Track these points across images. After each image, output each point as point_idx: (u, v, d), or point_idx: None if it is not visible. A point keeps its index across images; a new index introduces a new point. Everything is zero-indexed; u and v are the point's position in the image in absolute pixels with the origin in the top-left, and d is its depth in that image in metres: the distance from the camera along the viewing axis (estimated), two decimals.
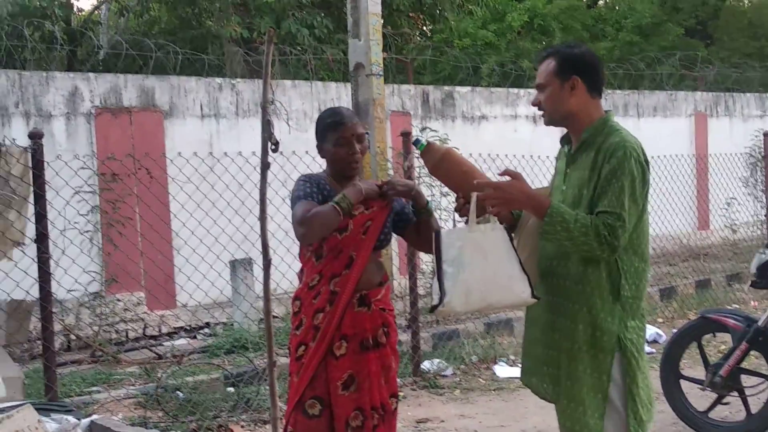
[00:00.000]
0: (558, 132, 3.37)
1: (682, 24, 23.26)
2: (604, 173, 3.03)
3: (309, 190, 3.50)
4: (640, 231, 3.11)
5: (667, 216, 11.00)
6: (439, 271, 3.12)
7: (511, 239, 3.14)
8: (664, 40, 22.21)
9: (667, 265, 11.90)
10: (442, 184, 3.43)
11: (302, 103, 11.11)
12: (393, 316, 3.66)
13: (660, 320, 9.30)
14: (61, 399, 5.64)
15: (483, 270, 3.07)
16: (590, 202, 3.05)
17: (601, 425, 3.04)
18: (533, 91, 3.33)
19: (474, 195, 3.09)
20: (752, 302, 9.96)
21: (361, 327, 3.48)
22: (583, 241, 2.97)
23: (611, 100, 14.53)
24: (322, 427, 3.42)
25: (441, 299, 3.08)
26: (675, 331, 5.94)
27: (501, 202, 3.10)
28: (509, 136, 13.07)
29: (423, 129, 9.26)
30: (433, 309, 3.15)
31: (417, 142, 3.32)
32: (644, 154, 3.10)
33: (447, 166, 3.29)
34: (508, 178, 3.12)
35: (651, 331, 7.99)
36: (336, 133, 3.52)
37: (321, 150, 3.61)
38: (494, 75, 16.42)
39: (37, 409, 4.87)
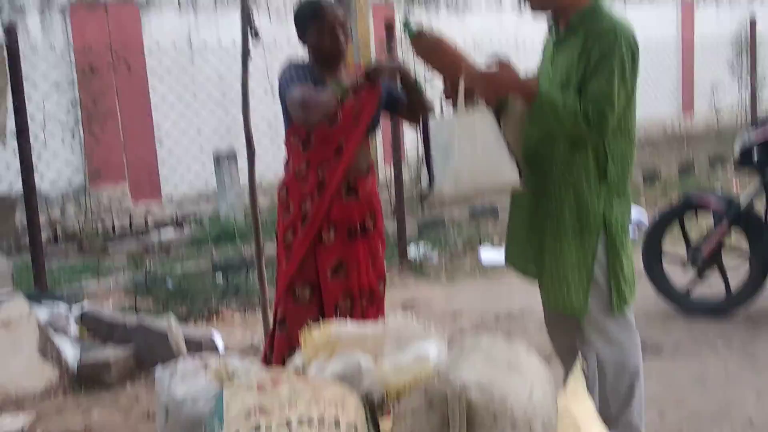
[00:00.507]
0: (543, 24, 3.31)
1: None
2: (594, 57, 2.97)
3: (300, 73, 3.44)
4: (629, 114, 3.09)
5: (652, 100, 10.96)
6: (428, 159, 3.12)
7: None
8: None
9: (651, 148, 11.94)
10: (428, 70, 3.37)
11: None
12: (379, 203, 3.67)
13: (643, 202, 9.39)
14: (50, 290, 5.68)
15: (472, 155, 3.06)
16: (579, 86, 3.01)
17: (586, 303, 3.11)
18: None
19: (462, 80, 3.05)
20: (734, 184, 10.05)
21: (348, 214, 3.50)
22: (572, 124, 2.95)
23: None
24: (312, 312, 3.47)
25: (431, 185, 3.09)
26: (658, 212, 6.00)
27: (489, 87, 3.07)
28: (495, 25, 12.85)
29: (406, 24, 9.05)
30: (422, 196, 3.18)
31: (407, 26, 3.24)
32: (635, 39, 3.05)
33: (436, 52, 3.22)
34: (497, 64, 3.08)
35: (634, 213, 8.07)
36: (317, 22, 3.45)
37: (303, 42, 3.54)
38: None
39: (27, 299, 4.93)
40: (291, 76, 3.43)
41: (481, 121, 3.09)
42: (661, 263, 5.53)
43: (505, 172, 3.09)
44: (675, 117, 13.80)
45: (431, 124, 3.12)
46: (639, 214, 8.39)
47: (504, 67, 3.06)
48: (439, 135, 3.10)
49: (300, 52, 3.68)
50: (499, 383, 2.06)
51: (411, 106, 3.58)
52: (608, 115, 2.95)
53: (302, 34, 3.53)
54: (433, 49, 3.21)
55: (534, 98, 2.99)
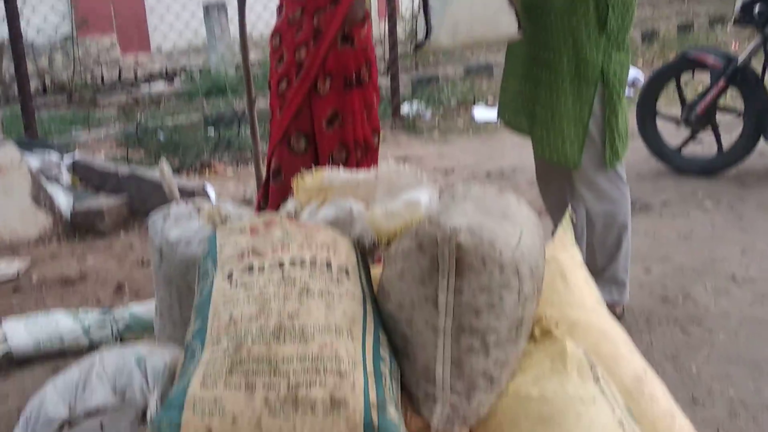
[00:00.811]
0: None
1: None
2: None
3: None
4: None
5: None
6: (425, 7, 3.05)
7: None
8: None
9: (651, 7, 11.69)
10: None
11: None
12: (374, 53, 3.60)
13: (640, 62, 9.29)
14: (41, 138, 5.65)
15: (470, 2, 3.00)
16: None
17: (580, 155, 3.11)
18: None
19: None
20: (733, 43, 9.92)
21: (344, 64, 3.43)
22: None
23: None
24: (307, 162, 3.46)
25: (427, 34, 3.04)
26: (654, 71, 5.93)
27: None
28: None
29: None
30: (419, 46, 3.12)
31: None
32: None
33: None
34: None
35: (631, 73, 7.99)
36: None
37: None
38: None
39: (18, 147, 4.90)
40: None
41: None
42: (655, 122, 5.52)
43: (504, 22, 3.03)
44: None
45: None
46: (635, 73, 8.31)
47: None
48: None
49: None
50: (488, 228, 2.08)
51: None
52: None
53: None
54: None
55: None
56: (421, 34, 3.07)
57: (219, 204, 2.72)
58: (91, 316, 3.28)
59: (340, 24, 3.38)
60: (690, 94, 6.03)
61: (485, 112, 7.52)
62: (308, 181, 2.60)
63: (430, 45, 3.06)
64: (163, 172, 2.75)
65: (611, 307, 3.22)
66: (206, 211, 2.57)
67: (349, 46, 3.43)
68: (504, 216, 2.26)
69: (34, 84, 7.97)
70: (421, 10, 3.06)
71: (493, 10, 3.02)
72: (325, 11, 3.37)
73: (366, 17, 3.52)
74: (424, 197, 2.43)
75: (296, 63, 3.42)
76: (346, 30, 3.41)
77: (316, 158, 3.50)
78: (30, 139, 5.54)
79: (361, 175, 2.62)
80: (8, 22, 5.54)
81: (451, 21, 3.00)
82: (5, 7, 5.53)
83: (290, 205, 2.63)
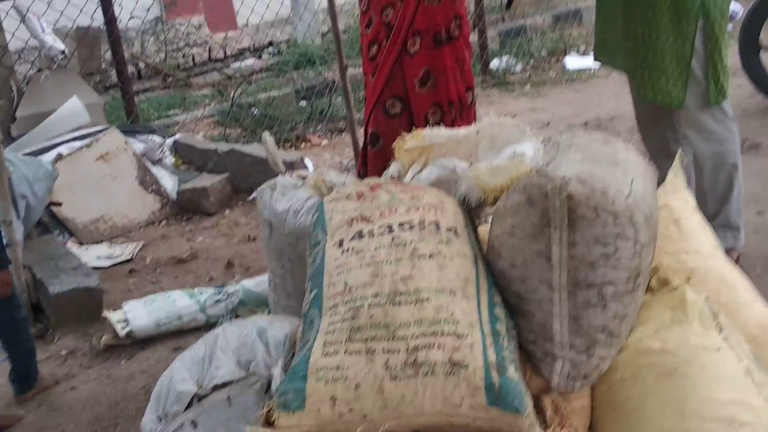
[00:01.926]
0: None
1: None
2: None
3: None
4: None
5: None
6: None
7: None
8: None
9: None
10: None
11: None
12: (464, 7, 3.54)
13: None
14: (142, 122, 5.80)
15: None
16: None
17: (684, 93, 2.99)
18: None
19: None
20: None
21: (433, 21, 3.39)
22: None
23: None
24: (404, 125, 3.44)
25: None
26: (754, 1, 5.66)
27: None
28: None
29: None
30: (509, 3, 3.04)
31: None
32: None
33: None
34: None
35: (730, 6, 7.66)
36: None
37: None
38: None
39: (122, 132, 5.05)
40: None
41: None
42: (759, 56, 5.28)
43: None
44: None
45: None
46: (734, 6, 7.96)
47: None
48: None
49: None
50: (599, 176, 2.03)
51: None
52: None
53: None
54: None
55: None
56: None
57: (322, 172, 2.74)
58: (205, 294, 3.36)
59: None
60: None
61: (578, 61, 7.34)
62: (409, 142, 2.59)
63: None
64: (266, 143, 2.79)
65: (726, 253, 3.12)
66: (311, 180, 2.60)
67: (437, 3, 3.38)
68: (613, 163, 2.20)
69: (129, 69, 8.18)
70: None
71: None
72: None
73: None
74: (528, 149, 2.39)
75: (384, 25, 3.39)
76: None
77: (412, 121, 3.48)
78: (132, 124, 5.70)
79: (462, 131, 2.60)
80: (103, 8, 5.66)
81: None
82: None
83: (393, 168, 2.63)
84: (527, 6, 7.34)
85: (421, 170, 2.51)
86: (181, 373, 2.03)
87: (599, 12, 3.29)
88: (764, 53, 5.28)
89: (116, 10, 5.93)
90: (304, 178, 2.66)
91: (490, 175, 2.29)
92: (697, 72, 2.99)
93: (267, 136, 2.75)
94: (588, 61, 6.79)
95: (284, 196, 2.60)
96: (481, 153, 2.47)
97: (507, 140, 2.43)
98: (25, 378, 3.07)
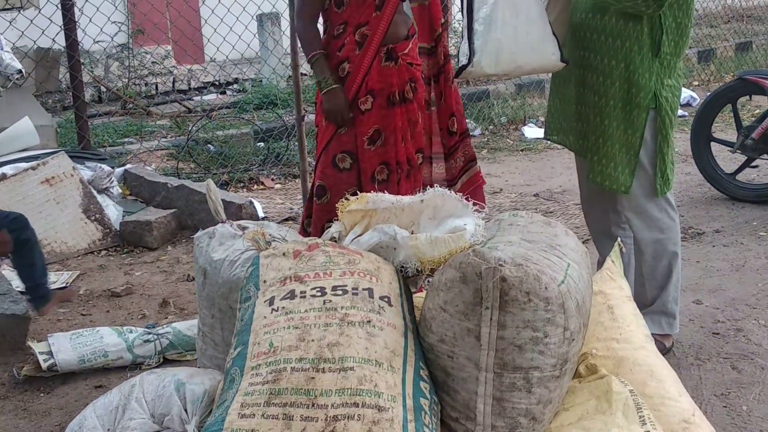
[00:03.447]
0: None
1: None
2: None
3: None
4: None
5: None
6: (469, 31, 3.02)
7: None
8: None
9: (708, 26, 11.49)
10: None
11: None
12: (420, 71, 3.57)
13: (695, 83, 9.14)
14: (94, 148, 5.73)
15: (515, 28, 2.98)
16: None
17: (631, 180, 3.04)
18: None
19: None
20: None
21: (387, 82, 3.41)
22: None
23: None
24: (351, 180, 3.44)
25: (470, 59, 3.01)
26: (710, 93, 5.81)
27: None
28: None
29: None
30: (461, 70, 3.07)
31: None
32: None
33: None
34: None
35: (685, 94, 7.86)
36: None
37: None
38: None
39: (71, 157, 4.97)
40: None
41: None
42: (710, 146, 5.39)
43: (547, 49, 3.00)
44: None
45: None
46: (690, 94, 8.17)
47: None
48: (483, 5, 3.00)
49: None
50: (534, 261, 2.05)
51: None
52: None
53: None
54: None
55: None
56: (463, 59, 3.04)
57: (263, 225, 2.72)
58: (135, 333, 3.30)
59: (382, 37, 3.36)
60: (746, 116, 5.92)
61: (536, 131, 7.45)
62: (353, 204, 2.58)
63: (472, 71, 3.04)
64: (209, 190, 2.75)
65: (660, 339, 3.15)
66: (251, 232, 2.57)
67: (393, 64, 3.40)
68: (551, 247, 2.22)
69: (89, 92, 8.10)
70: (465, 33, 3.03)
71: (537, 36, 2.99)
72: (367, 27, 3.35)
73: (411, 34, 3.50)
74: (470, 224, 2.39)
75: (340, 80, 3.41)
76: (390, 47, 3.39)
77: (359, 177, 3.47)
78: (83, 149, 5.62)
79: (406, 199, 2.59)
80: (65, 31, 5.61)
81: (494, 44, 2.98)
82: (63, 16, 5.61)
83: (334, 228, 2.61)
84: (479, 79, 7.40)
85: (362, 233, 2.50)
86: (92, 421, 1.97)
87: (553, 92, 3.36)
88: (715, 144, 5.40)
89: (80, 34, 5.87)
90: (244, 228, 2.63)
91: (430, 247, 2.29)
92: (645, 162, 3.04)
93: (210, 183, 2.72)
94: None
95: (222, 245, 2.57)
96: (423, 223, 2.47)
97: (450, 213, 2.43)
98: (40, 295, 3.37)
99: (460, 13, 3.14)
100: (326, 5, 3.38)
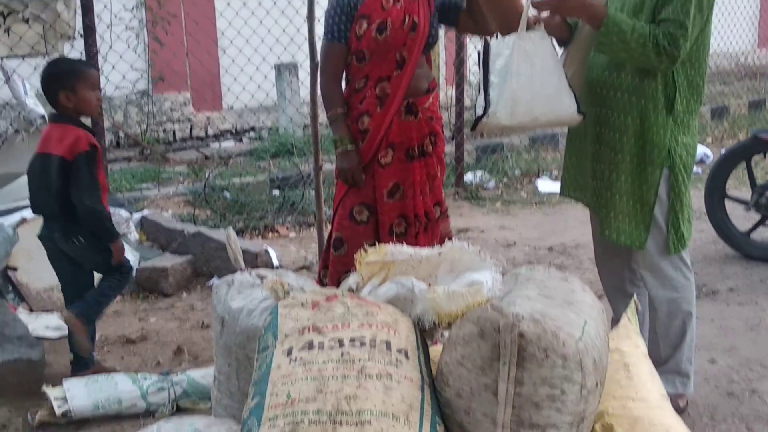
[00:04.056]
0: None
1: None
2: None
3: (337, 21, 3.39)
4: (701, 43, 2.99)
5: (725, 32, 10.53)
6: (485, 83, 3.05)
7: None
8: None
9: (722, 83, 11.57)
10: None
11: None
12: (441, 125, 3.62)
13: (709, 140, 9.17)
14: (111, 194, 5.78)
15: (531, 79, 2.99)
16: (653, 10, 2.91)
17: (645, 236, 3.05)
18: None
19: (528, 1, 2.98)
20: None
21: (407, 135, 3.46)
22: (640, 53, 2.86)
23: None
24: (368, 233, 3.47)
25: (486, 110, 3.03)
26: (724, 150, 5.84)
27: (556, 8, 2.99)
28: None
29: None
30: (477, 121, 3.08)
31: None
32: None
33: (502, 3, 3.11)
34: None
35: (699, 150, 7.87)
36: None
37: None
38: None
39: None
40: (327, 24, 3.43)
41: (541, 45, 3.03)
42: (724, 204, 5.40)
43: (563, 102, 3.02)
44: (749, 51, 13.30)
45: (491, 45, 3.05)
46: (704, 150, 8.19)
47: None
48: (499, 57, 3.03)
49: None
50: (552, 317, 2.06)
51: (471, 11, 3.49)
52: (681, 43, 2.86)
53: None
54: None
55: (601, 22, 2.90)
56: (479, 110, 3.06)
57: (282, 274, 2.74)
58: (149, 380, 3.30)
59: (403, 95, 3.42)
60: (761, 176, 5.93)
61: (549, 185, 7.48)
62: (371, 255, 2.60)
63: (488, 122, 3.05)
64: (229, 239, 2.79)
65: (674, 399, 3.13)
66: (269, 281, 2.59)
67: (413, 118, 3.46)
68: (568, 303, 2.23)
69: (108, 137, 8.19)
70: (481, 85, 3.07)
71: (553, 88, 3.01)
72: (389, 81, 3.41)
73: (431, 88, 3.56)
74: (487, 278, 2.41)
75: (360, 132, 3.45)
76: (410, 101, 3.45)
77: (377, 229, 3.50)
78: None
79: (425, 251, 2.62)
80: None
81: (510, 95, 2.99)
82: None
83: (352, 279, 2.63)
84: (495, 132, 7.45)
85: (379, 285, 2.52)
86: None
87: (569, 149, 3.39)
88: (729, 202, 5.42)
89: (103, 80, 5.98)
90: (262, 277, 2.66)
91: (447, 300, 2.31)
92: (659, 219, 3.06)
93: (230, 232, 2.76)
94: (559, 186, 6.90)
95: (240, 294, 2.59)
96: (440, 276, 2.49)
97: (467, 266, 2.45)
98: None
99: (477, 65, 3.17)
100: (348, 60, 3.44)
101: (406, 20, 3.37)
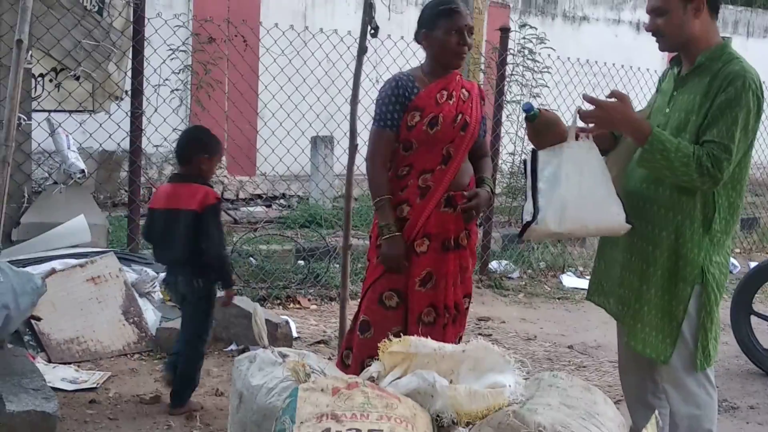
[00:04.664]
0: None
1: None
2: (718, 101, 2.90)
3: (390, 109, 3.45)
4: (743, 165, 3.02)
5: (756, 142, 10.51)
6: (533, 190, 3.04)
7: None
8: None
9: (753, 195, 11.55)
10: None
11: None
12: (476, 220, 3.66)
13: (737, 251, 9.13)
14: (141, 252, 5.85)
15: (579, 187, 2.98)
16: (698, 130, 2.95)
17: (671, 351, 3.03)
18: None
19: (577, 111, 3.02)
20: None
21: (445, 227, 3.49)
22: (683, 172, 2.89)
23: (720, 15, 13.83)
24: (397, 319, 3.48)
25: (534, 216, 3.00)
26: (752, 264, 5.82)
27: (602, 121, 3.03)
28: (610, 41, 12.65)
29: (522, 26, 8.97)
30: (525, 228, 3.05)
31: (528, 109, 3.08)
32: (761, 87, 2.96)
33: (550, 133, 3.15)
34: (614, 99, 3.03)
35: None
36: (449, 21, 3.40)
37: (426, 38, 3.49)
38: None
39: (118, 258, 5.08)
40: (379, 111, 3.50)
41: (588, 153, 3.05)
42: (749, 320, 5.36)
43: (612, 210, 3.01)
44: None
45: (540, 154, 3.07)
46: (731, 261, 8.15)
47: (618, 104, 3.02)
48: (548, 165, 3.04)
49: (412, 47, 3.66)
50: (573, 429, 2.05)
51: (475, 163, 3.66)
52: (725, 166, 2.88)
53: (429, 30, 3.47)
54: (548, 131, 3.11)
55: (645, 140, 2.93)
56: (527, 216, 3.04)
57: (305, 355, 2.75)
58: None
59: (446, 188, 3.46)
60: None
61: (574, 281, 7.47)
62: (395, 345, 2.61)
63: (537, 228, 3.01)
64: (255, 314, 2.81)
65: None
66: (291, 362, 2.60)
67: (452, 211, 3.49)
68: (589, 414, 2.23)
69: (141, 192, 8.30)
70: (529, 192, 3.07)
71: (601, 196, 3.00)
72: (432, 174, 3.46)
73: (471, 182, 3.60)
74: (510, 381, 2.41)
75: (398, 219, 3.49)
76: (450, 194, 3.49)
77: (406, 317, 3.51)
78: (130, 251, 5.74)
79: (449, 347, 2.63)
80: (131, 139, 5.85)
81: (559, 202, 2.97)
82: (130, 123, 5.86)
83: (374, 367, 2.64)
84: (543, 239, 7.47)
85: (401, 376, 2.52)
86: None
87: (600, 255, 3.39)
88: (754, 318, 5.37)
89: (144, 141, 6.11)
90: (285, 356, 2.67)
91: (468, 400, 2.31)
92: (687, 335, 3.04)
93: (258, 309, 2.78)
94: (584, 283, 6.88)
95: (261, 371, 2.61)
96: (462, 373, 2.49)
97: (491, 366, 2.46)
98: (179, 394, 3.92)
99: (523, 175, 3.18)
100: (394, 147, 3.50)
101: (458, 119, 3.44)
